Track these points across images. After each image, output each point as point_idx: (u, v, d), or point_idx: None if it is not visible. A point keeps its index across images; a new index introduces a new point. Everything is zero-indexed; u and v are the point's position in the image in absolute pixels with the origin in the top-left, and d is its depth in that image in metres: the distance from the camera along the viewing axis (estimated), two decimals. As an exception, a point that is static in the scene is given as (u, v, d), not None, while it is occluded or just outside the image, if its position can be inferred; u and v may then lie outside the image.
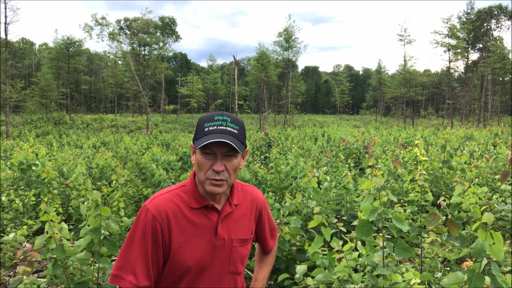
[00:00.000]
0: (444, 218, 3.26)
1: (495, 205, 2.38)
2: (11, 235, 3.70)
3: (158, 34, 46.93)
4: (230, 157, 1.31)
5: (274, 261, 1.83)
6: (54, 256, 2.66)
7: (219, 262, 1.38)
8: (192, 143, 1.37)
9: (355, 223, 3.30)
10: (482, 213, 2.87)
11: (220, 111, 1.37)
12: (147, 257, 1.29)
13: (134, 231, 1.31)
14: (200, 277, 1.35)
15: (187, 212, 1.34)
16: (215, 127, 1.30)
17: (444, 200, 3.32)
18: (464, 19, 47.27)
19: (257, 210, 1.57)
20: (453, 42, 44.64)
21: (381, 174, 2.18)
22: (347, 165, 6.70)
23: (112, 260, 2.77)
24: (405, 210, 4.04)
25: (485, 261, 1.45)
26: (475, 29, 46.79)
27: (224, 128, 1.31)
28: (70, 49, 49.24)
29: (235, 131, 1.32)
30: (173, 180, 5.30)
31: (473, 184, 4.28)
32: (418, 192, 4.07)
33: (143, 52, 46.78)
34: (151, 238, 1.29)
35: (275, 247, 1.80)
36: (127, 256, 1.29)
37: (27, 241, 4.61)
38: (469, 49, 47.81)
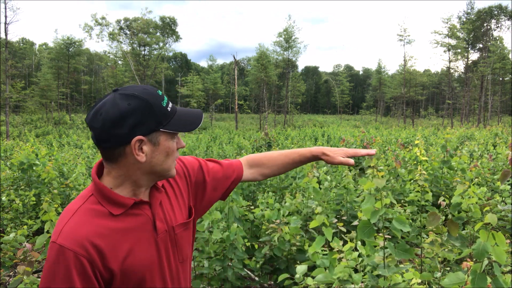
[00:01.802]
0: (444, 218, 3.26)
1: (497, 205, 2.38)
2: (11, 235, 3.70)
3: (158, 34, 46.97)
4: None
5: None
6: (54, 256, 2.66)
7: (166, 256, 1.18)
8: (140, 137, 1.03)
9: (355, 223, 3.31)
10: (482, 214, 2.87)
11: (134, 85, 1.10)
12: None
13: (51, 282, 0.98)
14: (154, 280, 1.14)
15: (112, 224, 1.05)
16: (169, 103, 1.11)
17: (444, 200, 3.32)
18: (464, 19, 47.27)
19: (188, 178, 1.32)
20: (453, 42, 44.64)
21: (382, 175, 2.18)
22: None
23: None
24: (405, 210, 4.04)
25: (486, 262, 1.45)
26: (475, 29, 46.80)
27: (169, 100, 1.13)
28: (70, 49, 49.25)
29: None
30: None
31: (473, 184, 4.28)
32: (418, 192, 4.07)
33: (143, 52, 46.80)
34: (78, 280, 0.98)
35: (245, 159, 1.49)
36: None
37: (27, 241, 4.61)
38: (469, 49, 47.81)
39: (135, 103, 1.02)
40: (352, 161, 1.40)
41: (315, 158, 1.45)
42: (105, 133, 1.02)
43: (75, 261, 0.97)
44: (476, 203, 3.01)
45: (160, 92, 1.09)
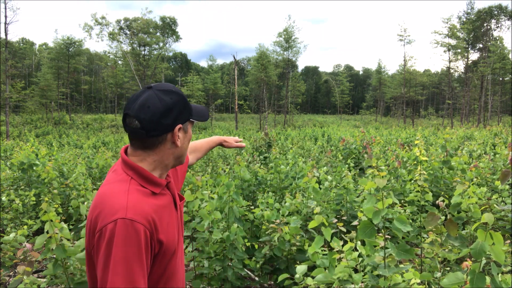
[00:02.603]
0: (443, 218, 3.26)
1: (495, 205, 2.38)
2: (11, 235, 3.70)
3: (158, 34, 46.95)
4: None
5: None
6: (55, 256, 2.67)
7: (180, 231, 1.37)
8: (180, 125, 1.25)
9: (355, 223, 3.31)
10: (482, 213, 2.87)
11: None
12: (144, 273, 1.10)
13: (126, 254, 1.05)
14: (176, 255, 1.30)
15: (156, 201, 1.22)
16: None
17: (443, 201, 3.32)
18: (464, 19, 47.25)
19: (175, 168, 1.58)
20: (453, 42, 44.63)
21: (383, 176, 2.18)
22: (346, 165, 6.71)
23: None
24: (405, 210, 4.05)
25: (484, 261, 1.45)
26: (475, 29, 46.77)
27: None
28: (70, 49, 49.23)
29: None
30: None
31: (473, 184, 4.28)
32: (419, 192, 4.07)
33: (143, 52, 46.78)
34: (144, 252, 1.10)
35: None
36: (130, 284, 1.05)
37: (27, 241, 4.61)
38: (469, 49, 47.79)
39: (176, 97, 1.25)
40: (244, 144, 1.99)
41: (220, 144, 2.00)
42: (154, 123, 1.19)
43: (144, 234, 1.10)
44: (476, 203, 3.01)
45: None
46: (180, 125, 1.26)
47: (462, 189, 2.80)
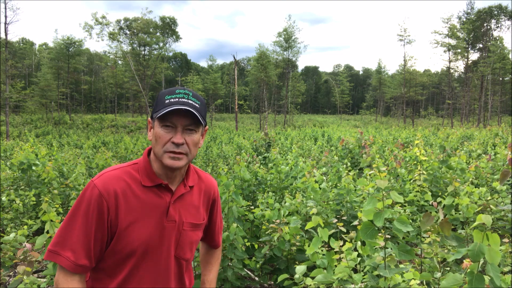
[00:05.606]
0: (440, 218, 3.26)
1: (496, 205, 2.38)
2: (12, 235, 3.71)
3: (158, 34, 46.95)
4: (191, 132, 1.28)
5: (220, 261, 1.81)
6: (54, 256, 2.66)
7: (167, 244, 1.32)
8: (149, 118, 1.33)
9: (355, 223, 3.31)
10: (482, 213, 2.87)
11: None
12: (90, 235, 1.21)
13: (77, 207, 1.23)
14: (146, 259, 1.29)
15: (138, 191, 1.27)
16: (177, 99, 1.25)
17: (440, 202, 3.32)
18: (464, 19, 47.25)
19: (210, 199, 1.51)
20: (453, 42, 44.64)
21: (384, 176, 2.18)
22: (344, 166, 6.71)
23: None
24: (404, 210, 4.05)
25: (482, 261, 1.45)
26: (475, 29, 46.77)
27: (185, 100, 1.26)
28: (70, 49, 49.18)
29: (197, 105, 1.28)
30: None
31: (470, 184, 4.28)
32: (418, 192, 4.07)
33: (143, 52, 46.81)
34: (95, 216, 1.21)
35: (221, 247, 1.75)
36: (68, 233, 1.21)
37: (27, 241, 4.61)
38: (469, 49, 47.78)
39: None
40: None
41: None
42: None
43: (97, 200, 1.22)
44: (476, 203, 3.01)
45: (181, 91, 1.29)
46: (149, 119, 1.34)
47: (451, 189, 2.80)
